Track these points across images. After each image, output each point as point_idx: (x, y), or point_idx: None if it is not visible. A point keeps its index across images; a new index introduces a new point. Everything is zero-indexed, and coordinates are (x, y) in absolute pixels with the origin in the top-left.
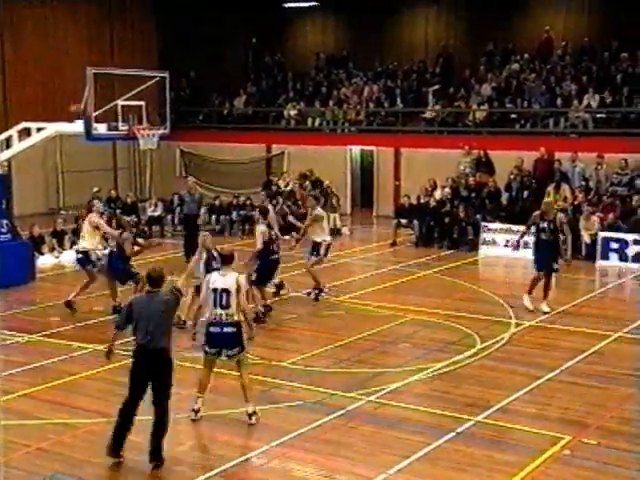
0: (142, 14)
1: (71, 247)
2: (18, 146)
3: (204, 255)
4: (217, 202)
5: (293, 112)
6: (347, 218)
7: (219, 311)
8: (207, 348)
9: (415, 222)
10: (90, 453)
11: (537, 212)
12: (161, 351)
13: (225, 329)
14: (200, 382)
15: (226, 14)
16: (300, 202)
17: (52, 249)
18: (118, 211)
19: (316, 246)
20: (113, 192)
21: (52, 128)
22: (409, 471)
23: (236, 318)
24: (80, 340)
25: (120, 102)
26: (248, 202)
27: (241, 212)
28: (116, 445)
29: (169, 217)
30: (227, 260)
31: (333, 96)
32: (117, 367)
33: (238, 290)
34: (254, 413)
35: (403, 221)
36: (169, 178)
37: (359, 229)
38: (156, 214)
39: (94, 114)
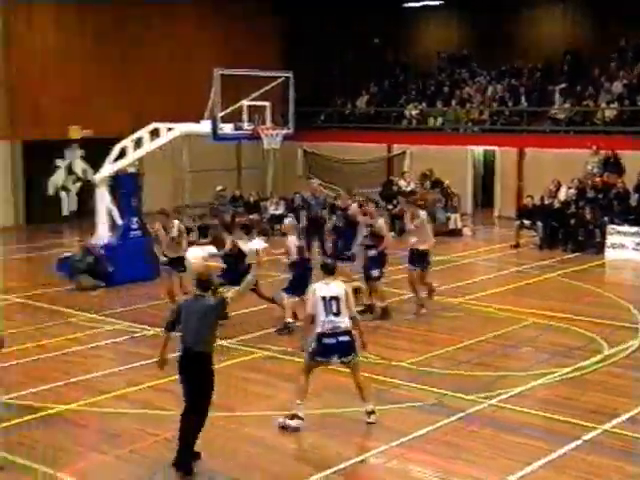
0: (265, 15)
1: (196, 244)
2: (148, 146)
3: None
4: (338, 202)
5: (414, 112)
6: (468, 218)
7: (332, 318)
8: (319, 357)
9: (539, 223)
10: (214, 445)
11: None
12: (199, 355)
13: (340, 338)
14: (302, 388)
15: (348, 14)
16: (421, 202)
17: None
18: (240, 209)
19: (425, 255)
20: (237, 191)
21: (180, 128)
22: (532, 478)
23: (348, 325)
24: None
25: (246, 102)
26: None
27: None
28: (181, 460)
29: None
30: (330, 271)
31: (455, 95)
32: (245, 361)
33: (347, 297)
34: (373, 412)
35: (526, 222)
36: (291, 177)
37: (481, 230)
38: (277, 212)
39: (220, 114)
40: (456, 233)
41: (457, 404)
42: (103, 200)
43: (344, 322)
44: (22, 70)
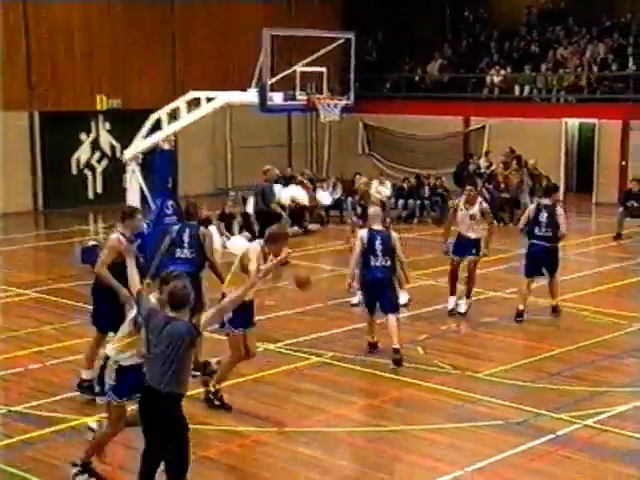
0: None
1: (240, 232)
2: (186, 118)
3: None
4: (405, 185)
5: (497, 78)
6: (559, 204)
7: None
8: None
9: None
10: (260, 465)
11: None
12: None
13: None
14: None
15: None
16: (503, 185)
17: (220, 234)
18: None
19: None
20: (289, 170)
21: (223, 98)
22: None
23: None
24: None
25: (299, 68)
26: (439, 183)
27: (433, 196)
28: None
29: (349, 200)
30: None
31: (548, 58)
32: (291, 369)
33: None
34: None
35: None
36: (350, 155)
37: (575, 218)
38: (335, 197)
39: (270, 82)
40: None
41: (546, 424)
42: (133, 181)
43: None
44: (42, 34)
